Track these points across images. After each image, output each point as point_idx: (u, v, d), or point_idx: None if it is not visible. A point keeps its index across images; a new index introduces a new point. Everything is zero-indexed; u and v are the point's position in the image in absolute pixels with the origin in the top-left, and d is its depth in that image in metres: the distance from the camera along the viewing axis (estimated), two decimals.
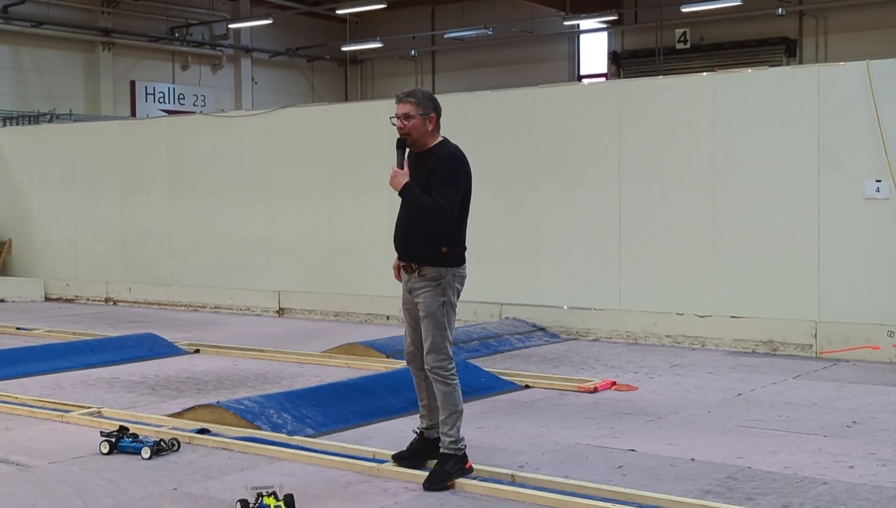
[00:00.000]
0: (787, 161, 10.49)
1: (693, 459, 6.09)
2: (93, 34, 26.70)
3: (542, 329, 11.48)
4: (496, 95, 13.09)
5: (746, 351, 10.34)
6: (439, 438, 5.75)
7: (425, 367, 5.74)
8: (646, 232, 11.34)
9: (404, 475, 5.72)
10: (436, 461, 5.68)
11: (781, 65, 23.83)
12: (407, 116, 5.70)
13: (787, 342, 10.19)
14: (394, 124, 5.76)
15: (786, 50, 25.56)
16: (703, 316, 10.71)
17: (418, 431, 5.93)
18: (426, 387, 5.88)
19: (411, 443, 5.92)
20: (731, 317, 10.56)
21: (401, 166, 5.69)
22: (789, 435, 6.72)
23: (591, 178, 11.74)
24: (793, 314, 10.28)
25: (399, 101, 5.75)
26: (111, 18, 26.97)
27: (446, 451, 5.64)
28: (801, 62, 24.96)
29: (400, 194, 5.70)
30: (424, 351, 5.72)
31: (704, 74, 11.90)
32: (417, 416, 6.04)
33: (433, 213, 5.60)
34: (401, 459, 5.84)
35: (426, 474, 5.64)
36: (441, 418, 5.69)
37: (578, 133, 11.86)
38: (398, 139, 5.75)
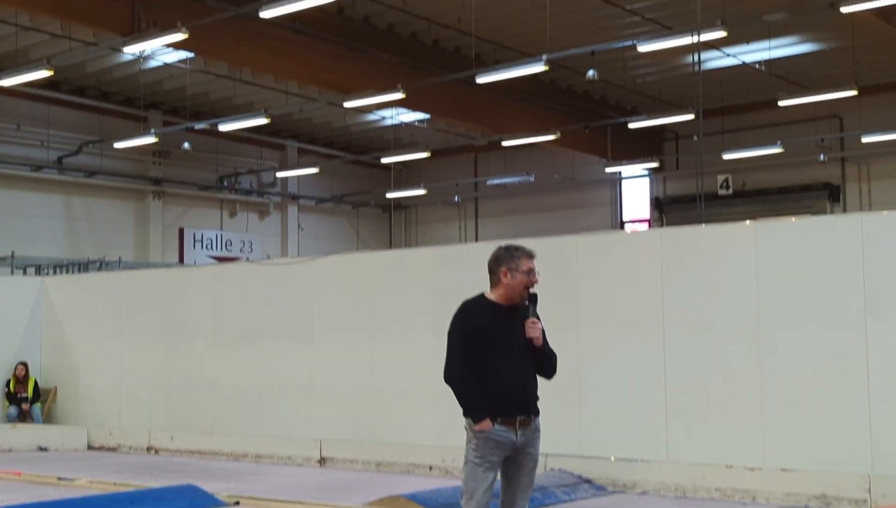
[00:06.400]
0: (833, 310, 10.36)
1: None
2: (144, 183, 27.34)
3: (589, 481, 11.23)
4: (538, 243, 12.97)
5: (798, 506, 10.03)
6: None
7: None
8: (691, 381, 11.17)
9: None
10: None
11: (825, 210, 23.87)
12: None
13: (840, 496, 9.87)
14: (534, 278, 6.02)
15: (829, 195, 25.64)
16: (753, 468, 10.44)
17: None
18: None
19: None
20: (782, 469, 10.28)
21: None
22: None
23: (635, 326, 11.66)
24: (845, 467, 9.99)
25: (533, 257, 6.06)
26: (162, 169, 27.63)
27: None
28: (845, 208, 24.98)
29: (541, 346, 5.95)
30: (528, 501, 5.80)
31: (747, 222, 11.87)
32: None
33: (555, 360, 6.10)
34: None
35: None
36: None
37: (621, 281, 11.83)
38: (531, 294, 6.01)
